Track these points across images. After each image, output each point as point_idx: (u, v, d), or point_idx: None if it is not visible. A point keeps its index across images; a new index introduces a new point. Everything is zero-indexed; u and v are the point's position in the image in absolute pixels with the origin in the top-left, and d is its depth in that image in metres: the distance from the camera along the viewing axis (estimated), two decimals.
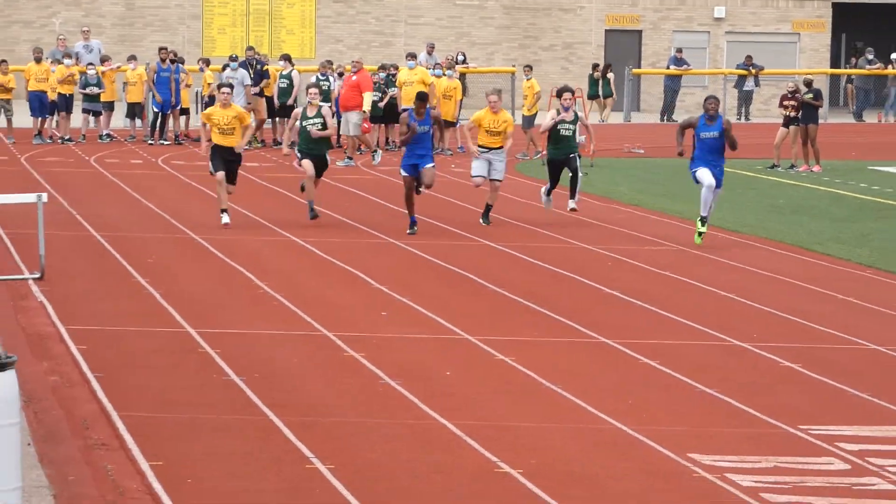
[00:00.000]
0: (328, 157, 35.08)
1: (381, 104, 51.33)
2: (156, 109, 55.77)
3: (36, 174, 44.43)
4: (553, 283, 28.55)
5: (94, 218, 34.99)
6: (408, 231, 32.80)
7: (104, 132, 55.96)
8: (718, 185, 32.08)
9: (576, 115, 36.07)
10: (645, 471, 16.60)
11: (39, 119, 55.28)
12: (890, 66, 74.03)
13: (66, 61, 56.07)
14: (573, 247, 32.31)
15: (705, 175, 31.44)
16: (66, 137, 55.18)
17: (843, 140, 58.85)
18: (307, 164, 33.91)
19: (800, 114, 50.11)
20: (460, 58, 62.92)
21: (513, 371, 20.99)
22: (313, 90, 34.69)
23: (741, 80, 73.89)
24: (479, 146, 35.46)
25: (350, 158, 49.95)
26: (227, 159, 33.42)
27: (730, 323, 24.87)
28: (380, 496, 15.04)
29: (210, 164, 33.90)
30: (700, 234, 31.96)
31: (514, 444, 17.21)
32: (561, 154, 35.61)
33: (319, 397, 19.46)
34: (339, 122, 48.47)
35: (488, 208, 35.14)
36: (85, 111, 55.93)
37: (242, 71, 53.35)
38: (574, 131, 35.86)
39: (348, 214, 36.61)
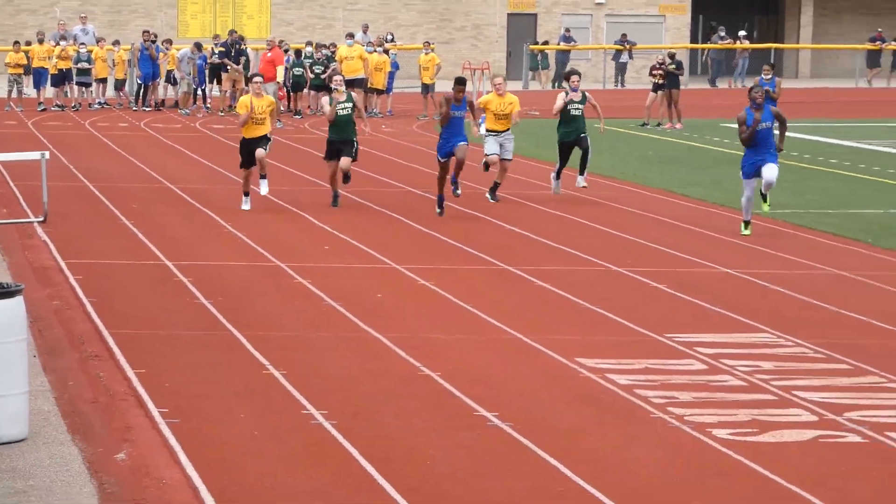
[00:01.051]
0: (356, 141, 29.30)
1: (324, 76, 51.06)
2: (139, 82, 55.42)
3: (40, 136, 43.94)
4: (478, 226, 28.05)
5: (88, 171, 34.69)
6: (437, 211, 28.05)
7: (98, 101, 55.44)
8: (775, 160, 25.85)
9: (584, 95, 31.18)
10: (540, 372, 16.54)
11: (42, 90, 54.87)
12: (738, 42, 74.45)
13: (63, 43, 55.64)
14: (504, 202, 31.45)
15: (752, 184, 25.90)
16: (69, 105, 54.75)
17: (700, 102, 58.75)
18: (332, 164, 28.91)
19: (665, 81, 50.12)
20: (389, 37, 62.27)
21: (433, 293, 20.95)
22: (338, 77, 30.31)
23: (618, 54, 73.88)
24: (489, 131, 30.23)
25: (279, 122, 49.35)
26: (252, 150, 28.26)
27: (609, 252, 24.81)
28: (324, 397, 14.94)
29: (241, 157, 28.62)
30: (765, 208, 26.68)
31: (433, 353, 17.16)
32: (572, 134, 31.13)
33: (274, 316, 19.37)
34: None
35: (496, 185, 30.46)
36: (79, 84, 55.51)
37: (185, 50, 54.13)
38: (583, 111, 31.06)
39: (293, 166, 36.42)
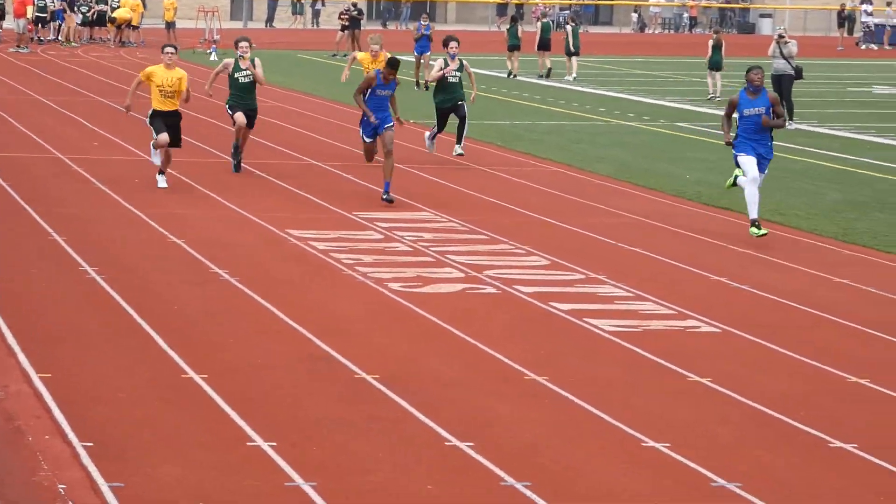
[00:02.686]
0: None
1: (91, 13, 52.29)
2: None
3: None
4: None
5: None
6: (383, 196, 19.09)
7: None
8: (763, 169, 17.03)
9: (461, 62, 23.55)
10: (260, 239, 16.43)
11: None
12: None
13: None
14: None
15: (750, 164, 16.70)
16: None
17: None
18: (239, 116, 20.59)
19: (349, 23, 49.84)
20: None
21: (186, 183, 20.45)
22: (244, 44, 20.99)
23: (314, 2, 73.00)
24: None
25: (26, 47, 48.95)
26: (169, 124, 19.24)
27: (313, 151, 24.70)
28: (97, 257, 14.50)
29: (152, 129, 19.39)
30: (761, 235, 16.80)
31: (182, 225, 16.75)
32: (449, 101, 23.70)
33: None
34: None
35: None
36: None
37: None
38: (461, 78, 23.63)
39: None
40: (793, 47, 29.72)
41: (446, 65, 23.49)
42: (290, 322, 12.35)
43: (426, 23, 41.23)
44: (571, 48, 43.50)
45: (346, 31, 50.37)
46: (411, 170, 22.35)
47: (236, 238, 16.45)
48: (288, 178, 21.11)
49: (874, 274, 15.19)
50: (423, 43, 39.42)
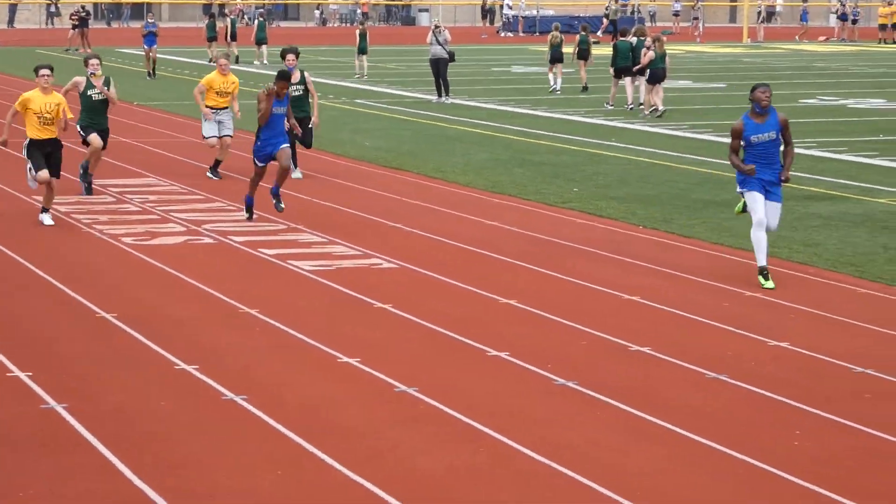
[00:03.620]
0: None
1: None
2: None
3: None
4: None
5: None
6: (246, 216, 14.94)
7: None
8: (776, 198, 11.77)
9: (302, 74, 18.15)
10: (11, 206, 15.73)
11: None
12: None
13: None
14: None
15: (758, 204, 11.58)
16: None
17: (102, 36, 56.54)
18: (94, 138, 16.19)
19: (79, 22, 48.06)
20: None
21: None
22: (94, 61, 16.38)
23: (49, 5, 69.96)
24: (209, 107, 18.11)
25: None
26: (47, 152, 14.40)
27: None
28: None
29: (29, 163, 14.53)
30: (767, 288, 11.60)
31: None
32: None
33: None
34: None
35: (217, 163, 18.22)
36: None
37: None
38: (303, 91, 18.09)
39: None
40: (447, 35, 30.18)
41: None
42: (43, 274, 12.05)
43: (152, 20, 40.34)
44: (258, 39, 43.70)
45: (76, 29, 49.04)
46: (132, 142, 21.80)
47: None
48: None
49: (522, 218, 15.56)
50: (150, 38, 38.65)
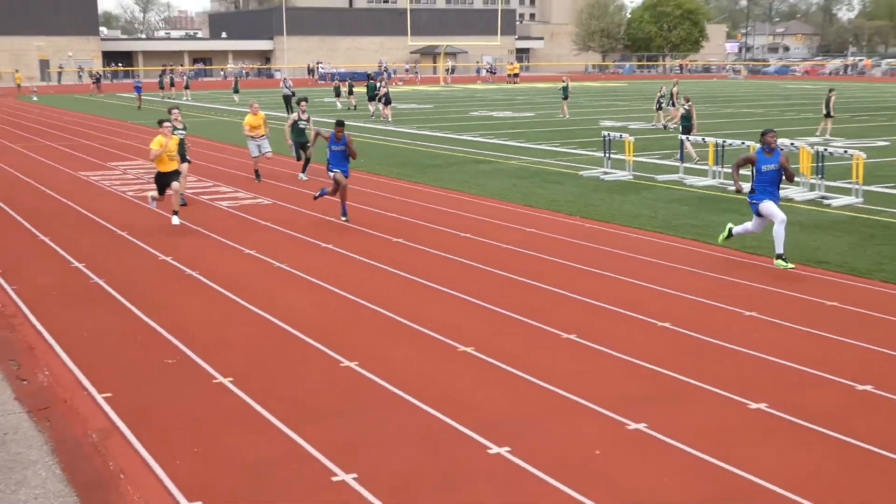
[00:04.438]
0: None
1: None
2: None
3: None
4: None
5: None
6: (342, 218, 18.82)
7: None
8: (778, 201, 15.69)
9: (308, 118, 23.95)
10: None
11: None
12: None
13: None
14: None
15: (773, 209, 15.50)
16: None
17: None
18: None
19: None
20: None
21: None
22: (175, 112, 20.53)
23: None
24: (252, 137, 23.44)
25: None
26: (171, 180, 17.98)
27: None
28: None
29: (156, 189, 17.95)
30: (789, 268, 15.21)
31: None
32: (302, 137, 24.19)
33: None
34: None
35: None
36: None
37: None
38: (307, 126, 24.06)
39: None
40: (290, 83, 37.43)
41: (296, 115, 24.20)
42: None
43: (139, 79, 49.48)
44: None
45: (94, 84, 61.71)
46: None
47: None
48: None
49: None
50: (137, 90, 49.49)
